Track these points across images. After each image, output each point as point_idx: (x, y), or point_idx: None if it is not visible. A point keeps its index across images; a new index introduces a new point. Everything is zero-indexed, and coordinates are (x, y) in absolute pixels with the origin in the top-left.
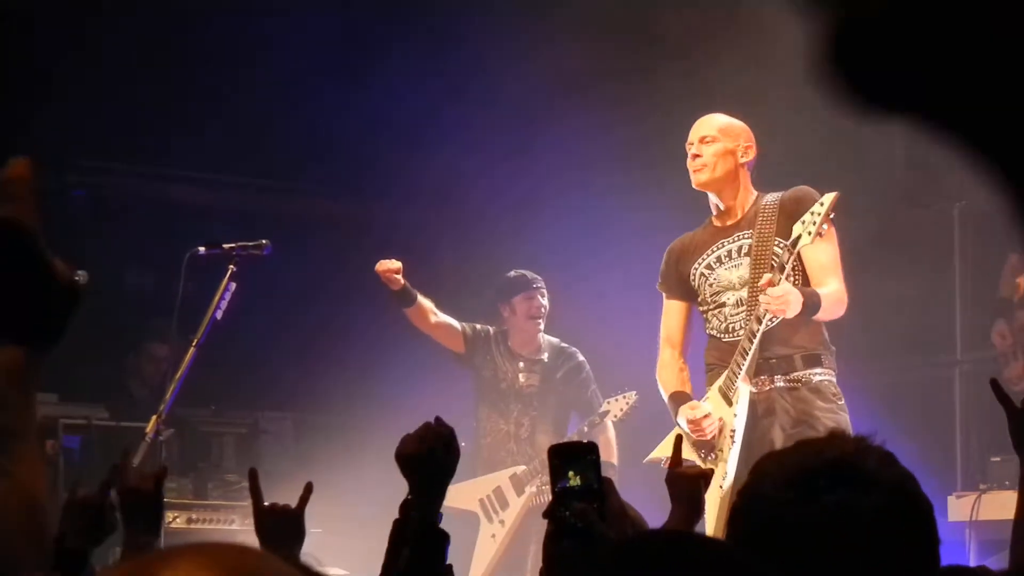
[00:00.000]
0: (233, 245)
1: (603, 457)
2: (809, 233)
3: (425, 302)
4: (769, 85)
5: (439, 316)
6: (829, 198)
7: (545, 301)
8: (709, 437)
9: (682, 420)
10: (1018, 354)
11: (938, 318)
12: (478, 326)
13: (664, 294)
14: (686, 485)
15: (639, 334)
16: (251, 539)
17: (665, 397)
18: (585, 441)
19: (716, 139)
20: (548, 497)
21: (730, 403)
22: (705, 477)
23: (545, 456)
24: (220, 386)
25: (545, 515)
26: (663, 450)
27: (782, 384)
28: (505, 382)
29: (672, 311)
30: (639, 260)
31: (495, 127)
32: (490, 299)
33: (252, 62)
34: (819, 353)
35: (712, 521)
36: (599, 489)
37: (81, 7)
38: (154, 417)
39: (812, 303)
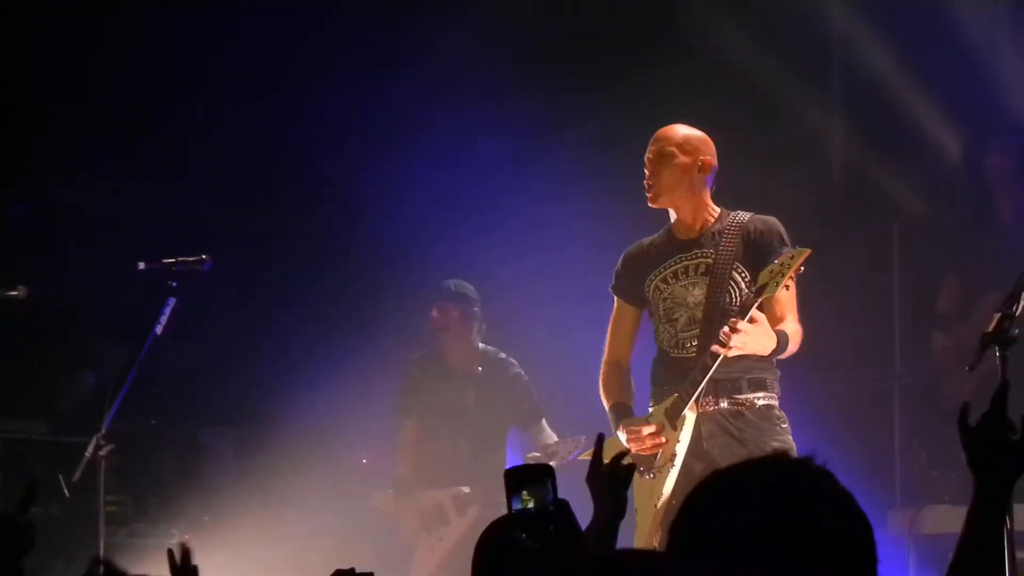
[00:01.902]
0: (173, 260)
1: (544, 442)
2: (776, 284)
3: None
4: (707, 102)
5: (408, 457)
6: (801, 254)
7: (440, 313)
8: (650, 453)
9: (622, 434)
10: (955, 368)
11: (877, 332)
12: (412, 371)
13: (616, 297)
14: (607, 483)
15: (592, 347)
16: (195, 552)
17: (606, 405)
18: (541, 464)
19: (673, 155)
20: (488, 521)
21: (675, 428)
22: (625, 473)
23: (486, 478)
24: (160, 401)
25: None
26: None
27: (726, 406)
28: (442, 401)
29: (623, 315)
30: (593, 270)
31: (442, 135)
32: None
33: (196, 67)
34: (765, 377)
35: (644, 535)
36: (555, 511)
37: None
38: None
39: (782, 343)
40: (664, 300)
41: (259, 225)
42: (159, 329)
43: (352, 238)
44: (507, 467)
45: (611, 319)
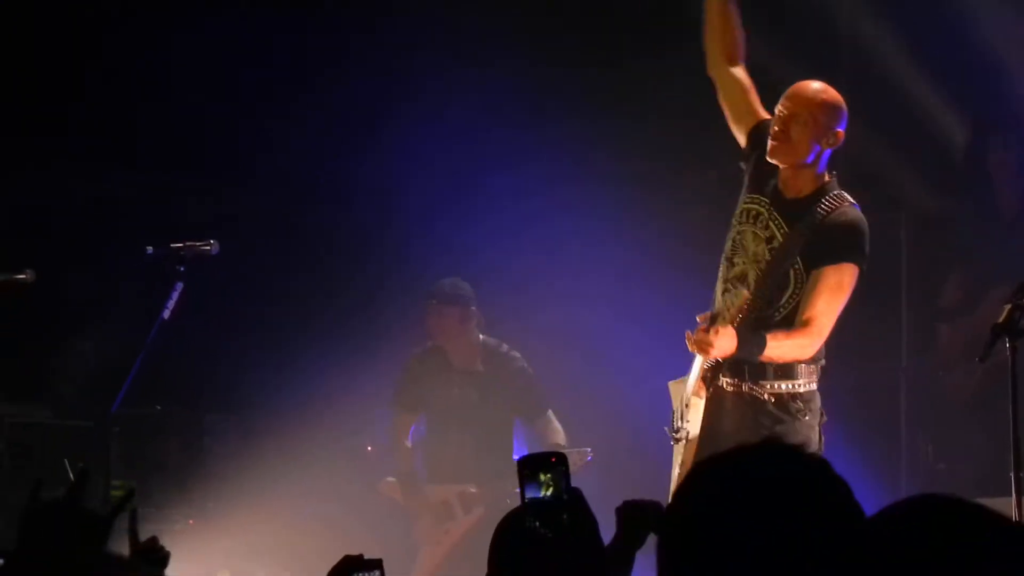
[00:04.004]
0: (180, 245)
1: (551, 440)
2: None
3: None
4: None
5: (407, 452)
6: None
7: (443, 318)
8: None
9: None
10: (960, 360)
11: (885, 325)
12: (411, 365)
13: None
14: (631, 513)
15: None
16: (195, 538)
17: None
18: (554, 452)
19: (803, 121)
20: (496, 521)
21: (683, 417)
22: (654, 510)
23: (492, 477)
24: (165, 386)
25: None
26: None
27: (747, 389)
28: (444, 398)
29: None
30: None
31: (437, 130)
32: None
33: (194, 59)
34: (794, 365)
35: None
36: (568, 500)
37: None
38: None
39: (749, 349)
40: (736, 232)
41: (265, 213)
42: (166, 314)
43: (359, 228)
44: (514, 458)
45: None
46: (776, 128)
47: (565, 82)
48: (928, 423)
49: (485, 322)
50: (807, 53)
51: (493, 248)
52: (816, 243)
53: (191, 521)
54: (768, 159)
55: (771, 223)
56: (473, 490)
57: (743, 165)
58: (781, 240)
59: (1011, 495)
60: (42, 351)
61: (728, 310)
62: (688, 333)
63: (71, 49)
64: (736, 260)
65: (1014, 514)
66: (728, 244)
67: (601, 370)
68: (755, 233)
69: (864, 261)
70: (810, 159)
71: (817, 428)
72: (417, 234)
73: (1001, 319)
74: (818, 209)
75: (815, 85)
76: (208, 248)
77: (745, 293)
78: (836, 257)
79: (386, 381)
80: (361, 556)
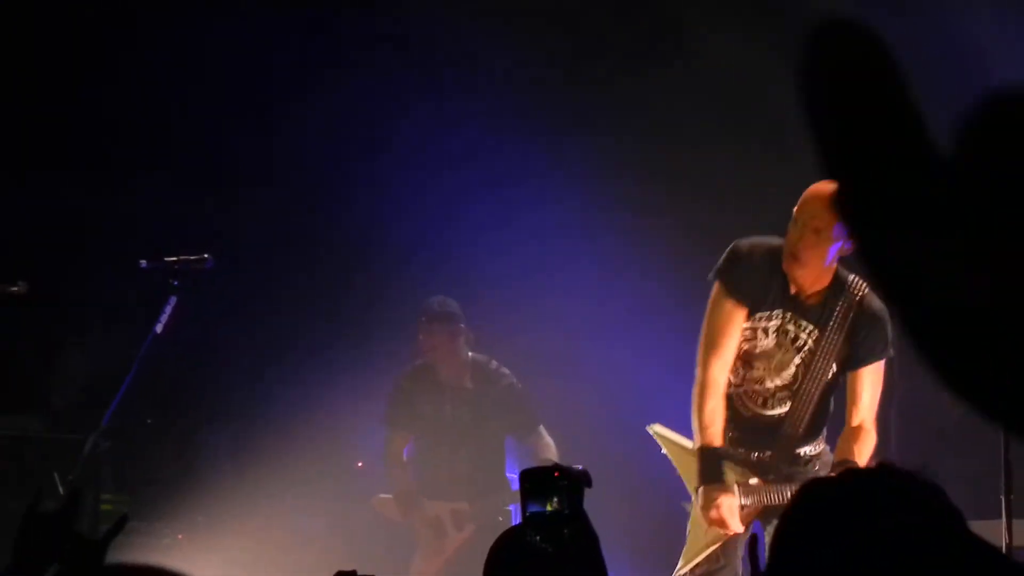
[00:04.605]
0: (175, 259)
1: (543, 455)
2: None
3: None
4: (702, 116)
5: (404, 470)
6: None
7: (440, 336)
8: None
9: (700, 498)
10: None
11: None
12: (403, 383)
13: (724, 288)
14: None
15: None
16: (185, 552)
17: (697, 438)
18: (557, 466)
19: (825, 237)
20: (487, 539)
21: (742, 498)
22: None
23: (485, 495)
24: (157, 400)
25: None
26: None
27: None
28: (435, 416)
29: (733, 314)
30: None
31: (434, 147)
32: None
33: (197, 68)
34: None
35: (693, 550)
36: (570, 515)
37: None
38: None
39: None
40: (750, 343)
41: (259, 225)
42: (160, 328)
43: (352, 245)
44: (506, 475)
45: (711, 311)
46: (794, 241)
47: (562, 102)
48: (918, 445)
49: (475, 339)
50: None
51: (486, 266)
52: (852, 343)
53: (180, 536)
54: (785, 268)
55: (798, 332)
56: (465, 507)
57: (723, 282)
58: (812, 345)
59: (1001, 518)
60: (34, 363)
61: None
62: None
63: (68, 57)
64: (758, 366)
65: (1004, 537)
66: (741, 350)
67: (591, 387)
68: (779, 344)
69: (892, 347)
70: (824, 269)
71: None
72: (410, 252)
73: None
74: (844, 303)
75: (830, 187)
76: (202, 263)
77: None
78: (873, 355)
79: (377, 397)
80: (354, 572)
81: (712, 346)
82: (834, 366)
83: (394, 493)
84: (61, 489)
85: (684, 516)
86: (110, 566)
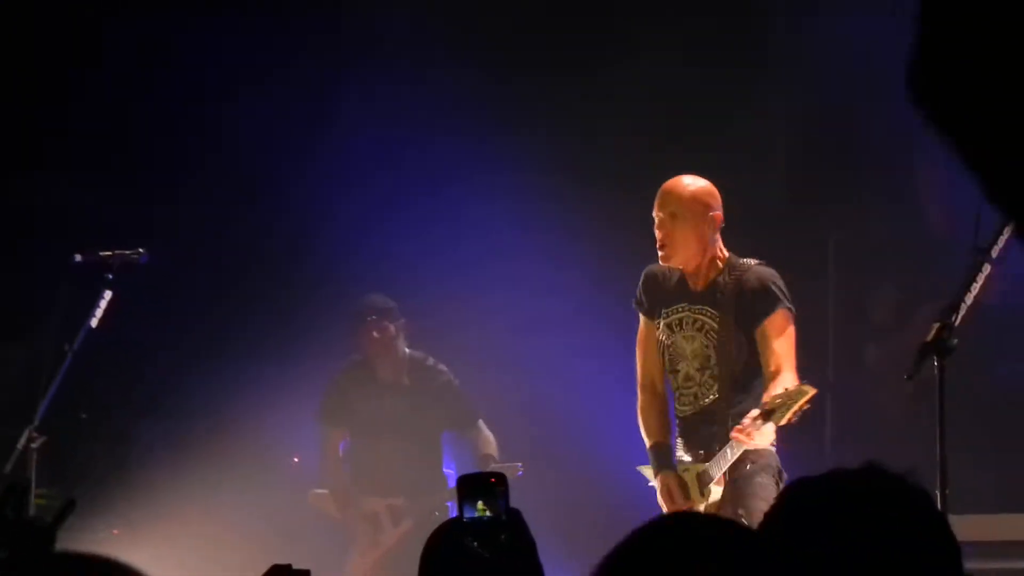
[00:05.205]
0: (110, 253)
1: (483, 451)
2: (781, 415)
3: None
4: (648, 107)
5: (339, 466)
6: (805, 394)
7: (381, 332)
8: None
9: (658, 485)
10: (890, 379)
11: (811, 342)
12: (338, 379)
13: (641, 315)
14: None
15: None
16: (119, 548)
17: (646, 441)
18: (494, 472)
19: (685, 216)
20: (424, 534)
21: (703, 495)
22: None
23: (421, 491)
24: (92, 395)
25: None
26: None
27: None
28: (372, 412)
29: (650, 334)
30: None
31: (374, 141)
32: (347, 324)
33: (138, 63)
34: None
35: None
36: (507, 520)
37: None
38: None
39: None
40: (668, 348)
41: (195, 220)
42: (94, 322)
43: (289, 238)
44: (443, 470)
45: (638, 338)
46: (660, 236)
47: (512, 94)
48: (854, 441)
49: (412, 334)
50: (747, 68)
51: (423, 262)
52: (743, 309)
53: (115, 531)
54: (664, 264)
55: (697, 316)
56: (402, 503)
57: (637, 307)
58: (714, 324)
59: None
60: None
61: (714, 408)
62: (745, 429)
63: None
64: (680, 367)
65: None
66: (666, 361)
67: (530, 384)
68: (685, 336)
69: (789, 302)
70: (701, 250)
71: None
72: (347, 247)
73: (929, 338)
74: (730, 280)
75: (684, 180)
76: (137, 257)
77: (715, 386)
78: (765, 311)
79: (312, 392)
80: (289, 566)
81: (638, 356)
82: (742, 337)
83: (330, 489)
84: None
85: (622, 514)
86: (59, 553)
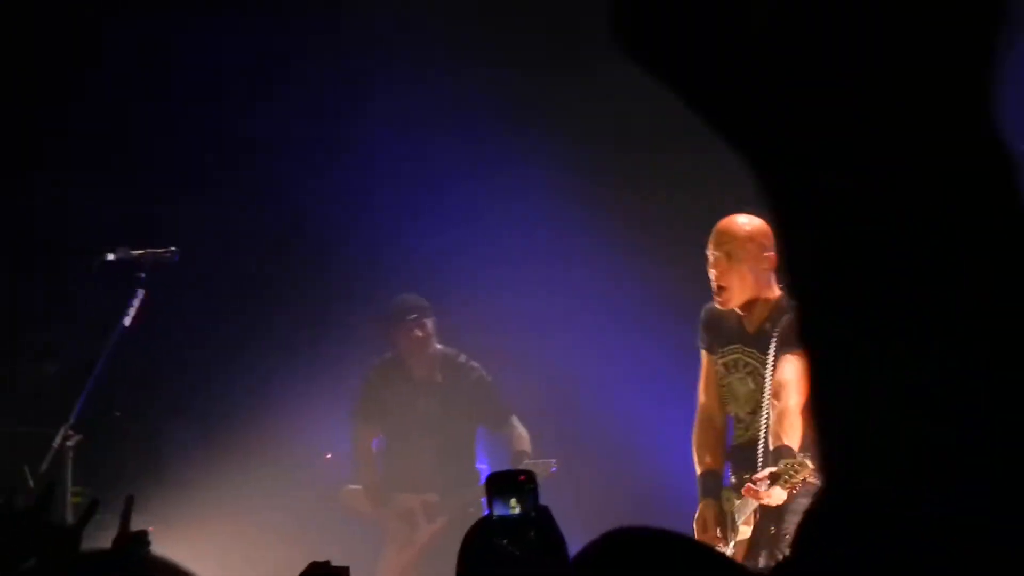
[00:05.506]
0: (142, 252)
1: (516, 447)
2: (785, 483)
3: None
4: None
5: (372, 463)
6: (806, 468)
7: (422, 331)
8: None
9: (698, 513)
10: None
11: None
12: (371, 377)
13: (703, 352)
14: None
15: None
16: (154, 546)
17: (696, 467)
18: (523, 470)
19: (742, 258)
20: (459, 530)
21: (734, 530)
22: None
23: (456, 487)
24: (126, 393)
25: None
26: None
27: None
28: (405, 410)
29: (712, 371)
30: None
31: (405, 140)
32: (381, 324)
33: (162, 63)
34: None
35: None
36: (536, 518)
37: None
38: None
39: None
40: (722, 387)
41: (227, 221)
42: (127, 321)
43: (321, 237)
44: (475, 468)
45: (701, 371)
46: (715, 276)
47: (539, 92)
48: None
49: (444, 331)
50: None
51: (453, 261)
52: (782, 338)
53: (151, 528)
54: (721, 308)
55: (748, 360)
56: (436, 499)
57: (700, 343)
58: (762, 369)
59: None
60: (1, 358)
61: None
62: (752, 489)
63: (34, 52)
64: (731, 408)
65: None
66: (722, 399)
67: (564, 381)
68: (739, 378)
69: None
70: (757, 291)
71: None
72: (377, 245)
73: None
74: (780, 322)
75: (739, 220)
76: (169, 255)
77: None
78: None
79: (345, 389)
80: (328, 563)
81: (699, 389)
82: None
83: (363, 485)
84: (32, 483)
85: (654, 510)
86: (86, 552)
